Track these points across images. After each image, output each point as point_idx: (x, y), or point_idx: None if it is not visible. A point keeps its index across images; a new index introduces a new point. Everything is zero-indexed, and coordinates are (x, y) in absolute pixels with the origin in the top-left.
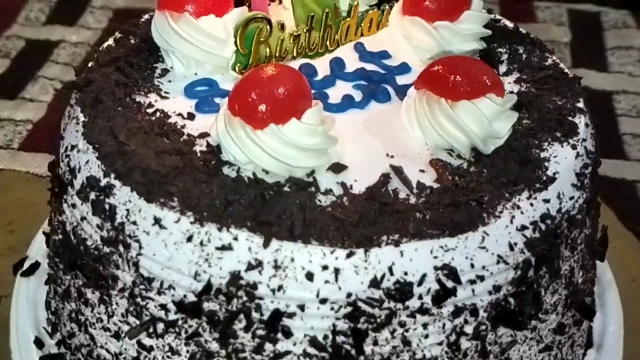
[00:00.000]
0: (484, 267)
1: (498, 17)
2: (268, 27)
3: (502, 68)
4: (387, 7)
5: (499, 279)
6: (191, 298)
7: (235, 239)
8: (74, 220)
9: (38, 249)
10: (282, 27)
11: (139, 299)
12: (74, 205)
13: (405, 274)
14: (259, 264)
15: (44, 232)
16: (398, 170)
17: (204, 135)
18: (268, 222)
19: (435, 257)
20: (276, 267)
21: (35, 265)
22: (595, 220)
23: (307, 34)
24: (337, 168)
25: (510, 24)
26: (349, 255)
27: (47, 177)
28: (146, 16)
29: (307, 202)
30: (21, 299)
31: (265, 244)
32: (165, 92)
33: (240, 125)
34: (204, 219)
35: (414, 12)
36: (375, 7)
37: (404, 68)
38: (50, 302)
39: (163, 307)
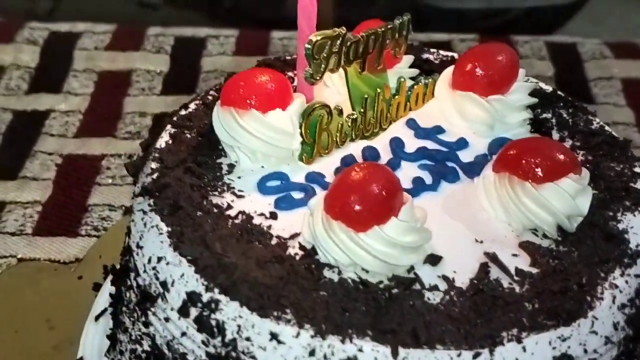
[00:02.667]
0: (595, 351)
1: (533, 79)
2: (328, 114)
3: (555, 136)
4: (430, 80)
5: (605, 359)
6: None
7: (360, 350)
8: (167, 334)
9: (91, 349)
10: (340, 112)
11: None
12: (167, 319)
13: None
14: None
15: (108, 337)
16: (494, 258)
17: (293, 236)
18: (391, 330)
19: (554, 348)
20: None
21: None
22: None
23: (363, 116)
24: (434, 260)
25: (548, 87)
26: (475, 357)
27: (71, 263)
28: (192, 106)
29: (420, 303)
30: None
31: (394, 354)
32: (239, 190)
33: (341, 229)
34: (324, 332)
35: (466, 87)
36: (420, 81)
37: (462, 143)
38: None
39: None
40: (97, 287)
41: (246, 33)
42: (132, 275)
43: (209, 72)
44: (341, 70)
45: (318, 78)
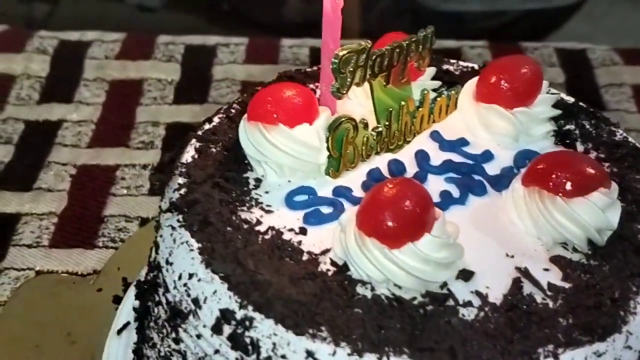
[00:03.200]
0: None
1: (554, 91)
2: (354, 127)
3: (580, 147)
4: (452, 92)
5: None
6: None
7: None
8: (199, 351)
9: None
10: (365, 125)
11: None
12: (199, 336)
13: None
14: None
15: (133, 352)
16: (526, 273)
17: (324, 252)
18: (428, 348)
19: None
20: None
21: None
22: None
23: (388, 129)
24: (466, 275)
25: (569, 98)
26: None
27: (89, 275)
28: (216, 119)
29: (456, 320)
30: None
31: None
32: (268, 205)
33: (375, 246)
34: (361, 350)
35: (491, 99)
36: (443, 93)
37: (488, 156)
38: None
39: None
40: (117, 299)
41: (256, 41)
42: (161, 291)
43: (220, 81)
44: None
45: (345, 92)
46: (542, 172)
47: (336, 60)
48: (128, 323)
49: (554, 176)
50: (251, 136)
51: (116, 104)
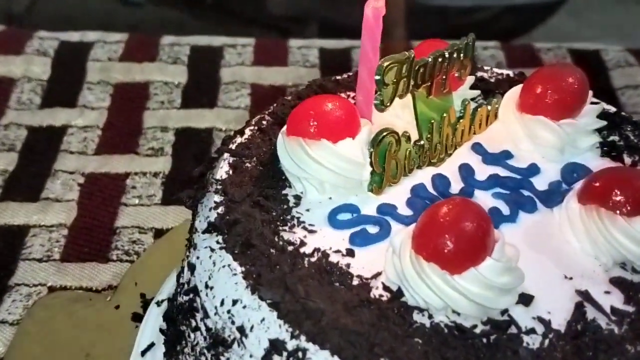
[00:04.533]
0: None
1: (595, 100)
2: (397, 141)
3: (627, 160)
4: (493, 101)
5: None
6: None
7: None
8: None
9: None
10: (408, 138)
11: None
12: None
13: None
14: None
15: None
16: (588, 297)
17: (375, 276)
18: None
19: None
20: None
21: None
22: None
23: (430, 142)
24: (526, 300)
25: (610, 107)
26: None
27: (104, 290)
28: (247, 132)
29: (523, 350)
30: None
31: None
32: (310, 225)
33: (434, 272)
34: None
35: (536, 110)
36: (484, 103)
37: (534, 169)
38: None
39: None
40: (136, 317)
41: (263, 42)
42: (199, 316)
43: (228, 84)
44: None
45: (388, 105)
46: (601, 190)
47: (380, 72)
48: (152, 344)
49: (613, 194)
50: (291, 152)
51: (122, 108)
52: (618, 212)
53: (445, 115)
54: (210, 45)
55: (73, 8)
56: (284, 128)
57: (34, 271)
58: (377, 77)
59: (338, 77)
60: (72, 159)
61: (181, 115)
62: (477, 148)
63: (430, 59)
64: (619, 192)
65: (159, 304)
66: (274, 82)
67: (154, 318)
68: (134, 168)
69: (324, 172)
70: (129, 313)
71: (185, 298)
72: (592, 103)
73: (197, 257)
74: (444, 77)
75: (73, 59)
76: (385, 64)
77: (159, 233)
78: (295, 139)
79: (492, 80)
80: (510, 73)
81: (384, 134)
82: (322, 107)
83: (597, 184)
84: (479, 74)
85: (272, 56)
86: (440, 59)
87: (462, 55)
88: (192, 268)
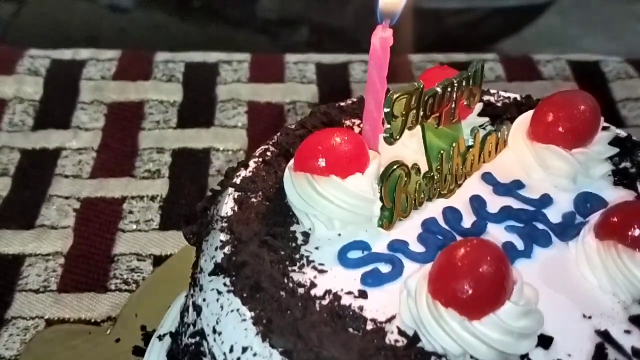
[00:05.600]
0: None
1: (605, 124)
2: (407, 174)
3: None
4: (503, 128)
5: None
6: None
7: None
8: None
9: None
10: (418, 170)
11: None
12: None
13: None
14: None
15: None
16: (608, 337)
17: (390, 319)
18: None
19: None
20: None
21: None
22: None
23: (440, 173)
24: (546, 342)
25: (620, 131)
26: None
27: (103, 322)
28: (252, 164)
29: None
30: None
31: None
32: (320, 264)
33: (453, 317)
34: None
35: (548, 139)
36: (493, 131)
37: (547, 200)
38: None
39: None
40: (137, 350)
41: (259, 57)
42: None
43: (225, 102)
44: None
45: (398, 138)
46: (619, 225)
47: (389, 104)
48: None
49: (631, 230)
50: (299, 188)
51: (117, 129)
52: (637, 248)
53: (454, 144)
54: (205, 61)
55: (61, 15)
56: (291, 163)
57: (31, 303)
58: (386, 110)
59: (342, 104)
60: (67, 183)
61: (177, 135)
62: (488, 178)
63: (439, 89)
64: (637, 228)
65: (160, 337)
66: (270, 99)
67: (157, 352)
68: (130, 192)
69: (333, 208)
70: (130, 347)
71: (192, 340)
72: (603, 127)
73: (204, 299)
74: (453, 106)
75: (65, 78)
76: (395, 96)
77: (157, 260)
78: (303, 174)
79: (499, 104)
80: (517, 96)
81: (394, 167)
82: (329, 142)
83: (615, 219)
84: (486, 97)
85: (268, 72)
86: (449, 89)
87: (471, 82)
88: (198, 309)
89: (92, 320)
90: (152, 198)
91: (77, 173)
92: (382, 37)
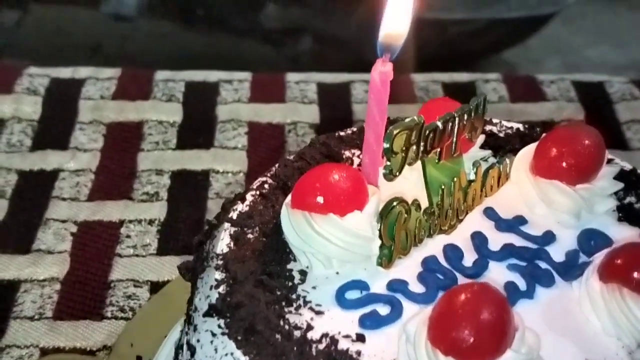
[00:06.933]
0: None
1: (609, 156)
2: (407, 210)
3: None
4: (505, 161)
5: None
6: None
7: None
8: None
9: None
10: (418, 206)
11: None
12: None
13: None
14: None
15: None
16: None
17: None
18: None
19: None
20: None
21: None
22: None
23: (441, 209)
24: None
25: (625, 164)
26: None
27: (99, 351)
28: (249, 197)
29: None
30: None
31: None
32: (317, 305)
33: None
34: None
35: (551, 174)
36: (495, 164)
37: (549, 237)
38: None
39: None
40: None
41: (260, 77)
42: None
43: (225, 122)
44: None
45: (397, 174)
46: (623, 268)
47: (389, 139)
48: None
49: (636, 273)
50: (297, 226)
51: (115, 150)
52: None
53: (456, 179)
54: (205, 80)
55: (64, 23)
56: (288, 199)
57: (26, 331)
58: (386, 145)
59: (342, 133)
60: (64, 206)
61: (177, 156)
62: (490, 213)
63: (440, 124)
64: None
65: None
66: (271, 120)
67: None
68: (128, 215)
69: (331, 247)
70: None
71: None
72: (608, 160)
73: (198, 340)
74: (454, 140)
75: (64, 97)
76: (395, 131)
77: (154, 286)
78: (301, 212)
79: (502, 134)
80: (520, 126)
81: (394, 204)
82: (327, 179)
83: (619, 262)
84: (488, 127)
85: (269, 92)
86: (450, 123)
87: (473, 115)
88: (192, 350)
89: (88, 349)
90: (150, 222)
91: (75, 195)
92: (382, 71)
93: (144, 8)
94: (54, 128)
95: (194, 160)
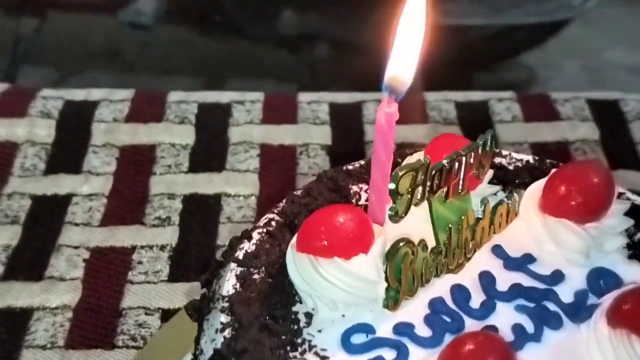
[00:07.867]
0: None
1: (620, 190)
2: (413, 252)
3: None
4: (514, 197)
5: None
6: None
7: None
8: None
9: None
10: (424, 247)
11: None
12: None
13: None
14: None
15: None
16: None
17: None
18: None
19: None
20: None
21: None
22: None
23: (448, 247)
24: None
25: (635, 197)
26: None
27: None
28: (255, 235)
29: None
30: None
31: None
32: (322, 350)
33: None
34: None
35: (560, 213)
36: (504, 201)
37: (558, 277)
38: None
39: None
40: None
41: (272, 97)
42: None
43: (237, 144)
44: None
45: (403, 215)
46: (631, 313)
47: (395, 181)
48: None
49: None
50: (302, 269)
51: (128, 174)
52: None
53: (463, 217)
54: (218, 102)
55: (82, 31)
56: (294, 240)
57: None
58: (392, 187)
59: (350, 167)
60: (77, 231)
61: (189, 180)
62: (498, 251)
63: (446, 163)
64: None
65: None
66: (283, 142)
67: None
68: (140, 241)
69: (337, 291)
70: None
71: None
72: (620, 193)
73: None
74: (461, 178)
75: (78, 120)
76: (401, 173)
77: (165, 314)
78: (306, 256)
79: (511, 167)
80: (530, 158)
81: (400, 245)
82: (332, 222)
83: (628, 307)
84: (497, 159)
85: (281, 113)
86: (457, 163)
87: (480, 153)
88: None
89: None
90: (162, 247)
91: (87, 221)
92: (387, 112)
93: (161, 15)
94: (68, 151)
95: (206, 183)
